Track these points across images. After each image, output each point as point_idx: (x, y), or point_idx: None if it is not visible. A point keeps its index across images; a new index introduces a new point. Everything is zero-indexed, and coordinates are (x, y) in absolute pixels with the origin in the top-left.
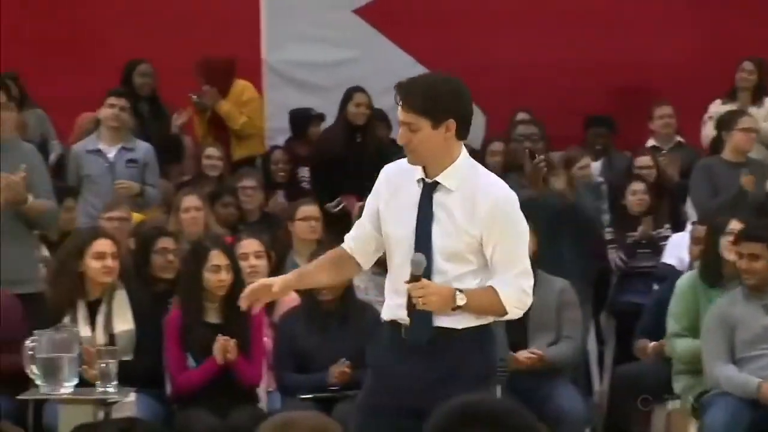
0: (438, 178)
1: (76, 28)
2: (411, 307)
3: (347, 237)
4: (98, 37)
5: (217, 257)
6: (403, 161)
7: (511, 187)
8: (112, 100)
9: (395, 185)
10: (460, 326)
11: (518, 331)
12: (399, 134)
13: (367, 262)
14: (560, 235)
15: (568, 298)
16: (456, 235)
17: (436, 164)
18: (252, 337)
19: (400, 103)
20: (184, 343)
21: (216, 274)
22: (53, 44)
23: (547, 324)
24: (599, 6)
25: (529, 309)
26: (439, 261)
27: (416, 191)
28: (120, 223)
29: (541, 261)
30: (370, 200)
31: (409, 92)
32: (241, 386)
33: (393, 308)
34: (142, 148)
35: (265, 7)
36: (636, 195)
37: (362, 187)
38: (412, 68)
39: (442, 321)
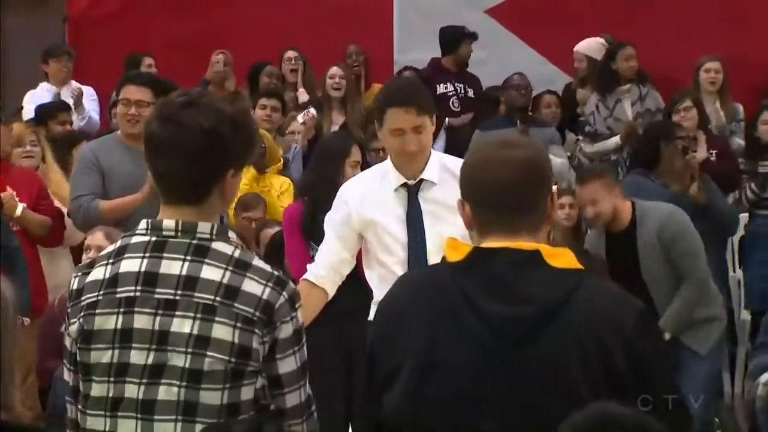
0: (423, 175)
1: (207, 28)
2: None
3: (312, 268)
4: (229, 37)
5: (356, 153)
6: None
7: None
8: (263, 101)
9: (360, 198)
10: None
11: None
12: (408, 142)
13: (333, 290)
14: None
15: None
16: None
17: (423, 161)
18: None
19: (413, 109)
20: (308, 235)
21: (354, 169)
22: (184, 44)
23: None
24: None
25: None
26: None
27: (388, 197)
28: (251, 224)
29: None
30: (336, 222)
31: (417, 96)
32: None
33: None
34: (291, 149)
35: (398, 8)
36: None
37: None
38: (542, 67)
39: None
